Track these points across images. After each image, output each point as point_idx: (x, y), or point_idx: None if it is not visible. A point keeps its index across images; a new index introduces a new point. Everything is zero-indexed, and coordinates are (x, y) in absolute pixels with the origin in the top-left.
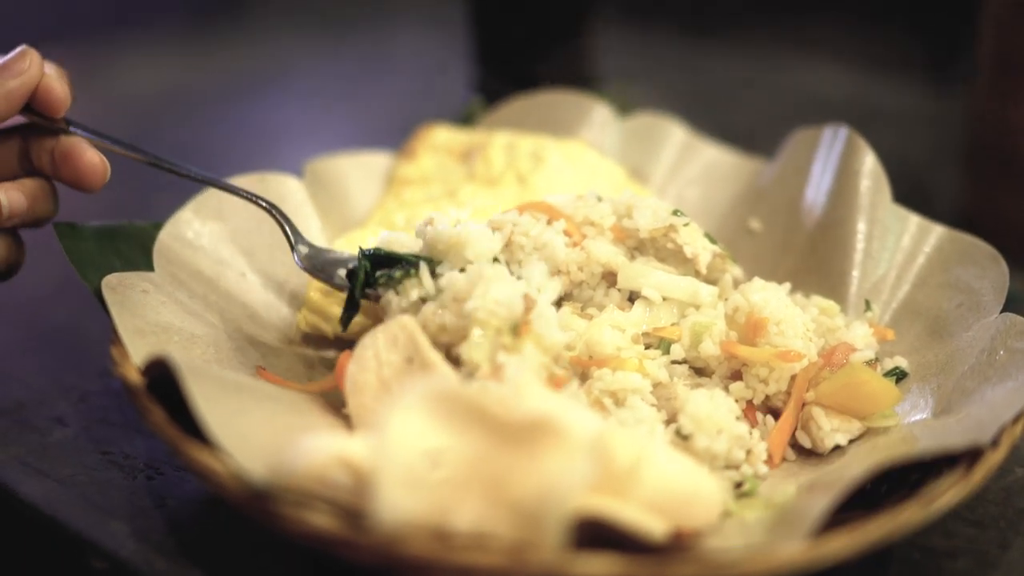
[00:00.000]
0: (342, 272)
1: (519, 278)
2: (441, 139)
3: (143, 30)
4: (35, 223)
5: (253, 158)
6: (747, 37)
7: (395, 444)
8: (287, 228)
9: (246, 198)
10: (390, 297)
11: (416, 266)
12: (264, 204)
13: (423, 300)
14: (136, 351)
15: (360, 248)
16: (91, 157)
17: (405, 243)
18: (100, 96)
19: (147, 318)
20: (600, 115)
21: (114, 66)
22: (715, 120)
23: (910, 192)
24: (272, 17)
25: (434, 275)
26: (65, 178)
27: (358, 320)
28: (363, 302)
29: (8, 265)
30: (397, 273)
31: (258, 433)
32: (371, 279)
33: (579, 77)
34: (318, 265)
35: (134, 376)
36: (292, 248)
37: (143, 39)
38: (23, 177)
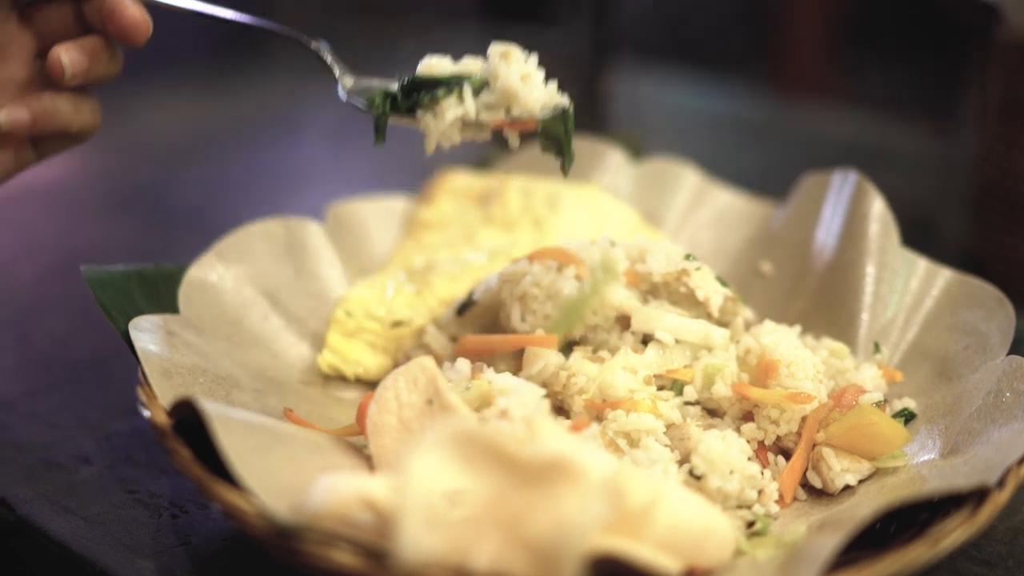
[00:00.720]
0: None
1: (528, 330)
2: (459, 184)
3: (163, 73)
4: (99, 81)
5: (274, 200)
6: (759, 79)
7: (416, 484)
8: (331, 61)
9: (289, 35)
10: (428, 120)
11: (460, 86)
12: (304, 40)
13: (463, 121)
14: (163, 393)
15: (399, 75)
16: (132, 12)
17: (448, 68)
18: (125, 137)
19: (173, 360)
20: (614, 160)
21: (136, 108)
22: (727, 162)
23: (918, 234)
24: (288, 60)
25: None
26: (112, 34)
27: (379, 363)
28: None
29: (82, 126)
30: (440, 91)
31: (282, 473)
32: (415, 99)
33: (594, 113)
34: (360, 92)
35: (161, 417)
36: (337, 80)
37: (163, 82)
38: (81, 36)
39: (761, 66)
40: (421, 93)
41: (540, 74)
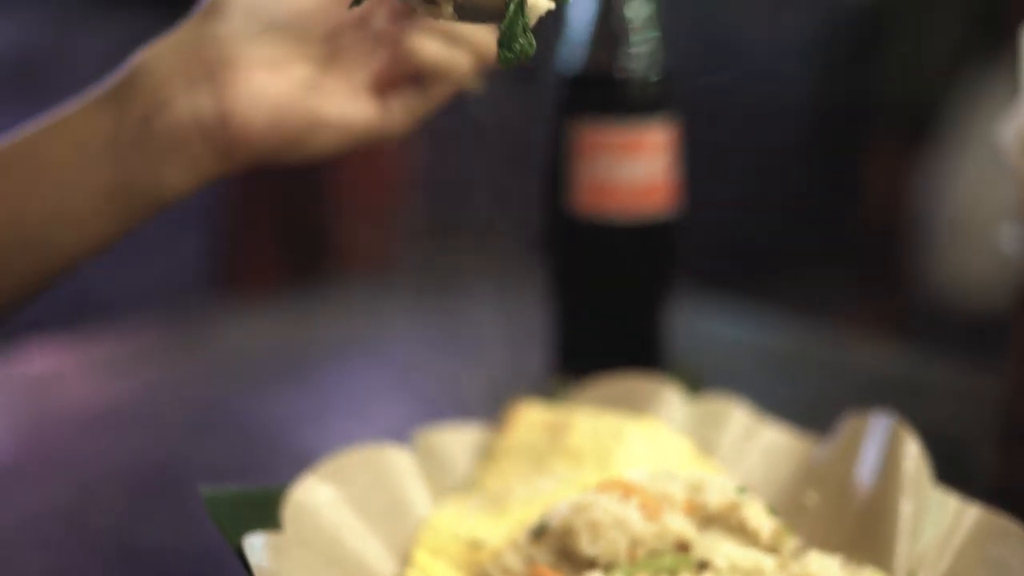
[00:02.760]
0: None
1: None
2: (531, 416)
3: (237, 292)
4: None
5: (351, 422)
6: (795, 308)
7: None
8: None
9: None
10: None
11: None
12: None
13: None
14: None
15: None
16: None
17: None
18: (202, 356)
19: (281, 575)
20: (672, 396)
21: (211, 328)
22: (771, 393)
23: (951, 465)
24: (358, 283)
25: None
26: None
27: None
28: None
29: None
30: None
31: None
32: None
33: (653, 355)
34: None
35: None
36: None
37: (245, 300)
38: None
39: (798, 293)
40: None
41: None
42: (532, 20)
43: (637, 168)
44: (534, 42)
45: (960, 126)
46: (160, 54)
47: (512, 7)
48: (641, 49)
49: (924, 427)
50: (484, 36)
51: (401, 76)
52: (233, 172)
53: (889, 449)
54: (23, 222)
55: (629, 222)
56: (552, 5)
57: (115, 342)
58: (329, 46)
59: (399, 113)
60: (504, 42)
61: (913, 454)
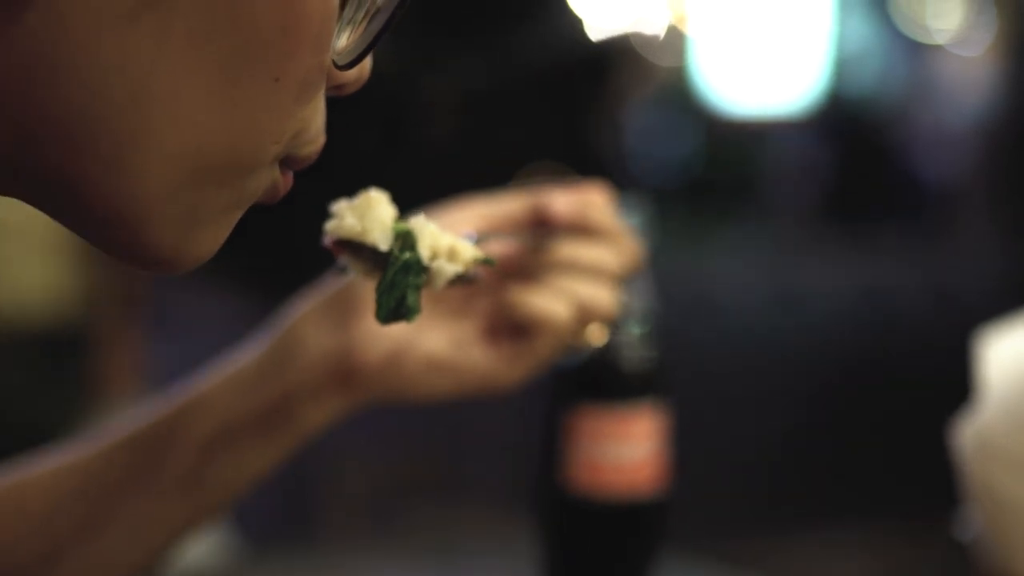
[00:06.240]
0: None
1: None
2: None
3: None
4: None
5: None
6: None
7: None
8: None
9: None
10: None
11: None
12: None
13: None
14: None
15: None
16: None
17: None
18: None
19: None
20: None
21: None
22: None
23: None
24: (343, 540)
25: None
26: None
27: None
28: None
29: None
30: None
31: None
32: None
33: None
34: None
35: None
36: None
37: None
38: None
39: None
40: None
41: None
42: (438, 285)
43: (628, 450)
44: (418, 307)
45: None
46: (308, 300)
47: (392, 268)
48: (634, 345)
49: None
50: (588, 292)
51: (507, 328)
52: (357, 408)
53: None
54: (188, 461)
55: (619, 501)
56: (460, 269)
57: None
58: (445, 295)
59: (508, 364)
60: (379, 298)
61: None
